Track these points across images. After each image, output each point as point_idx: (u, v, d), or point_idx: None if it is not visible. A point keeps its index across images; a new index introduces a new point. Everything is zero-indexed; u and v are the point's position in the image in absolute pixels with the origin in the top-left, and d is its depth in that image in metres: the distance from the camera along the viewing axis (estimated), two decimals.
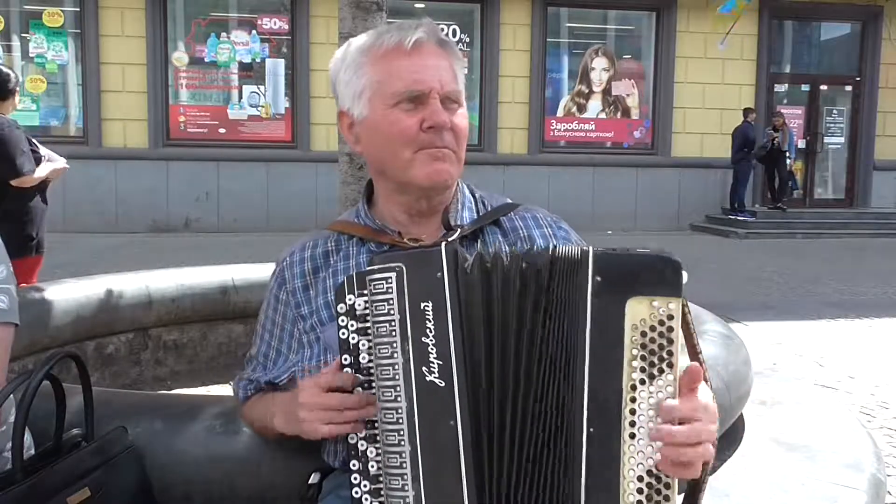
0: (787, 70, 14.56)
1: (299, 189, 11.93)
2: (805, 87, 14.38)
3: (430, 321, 1.08)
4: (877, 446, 2.27)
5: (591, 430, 1.04)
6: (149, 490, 1.55)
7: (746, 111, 12.98)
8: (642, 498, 1.03)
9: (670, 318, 1.02)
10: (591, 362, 1.04)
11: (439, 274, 1.08)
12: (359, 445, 1.14)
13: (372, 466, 1.12)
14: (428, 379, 1.07)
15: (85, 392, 1.50)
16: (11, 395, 1.35)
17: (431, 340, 1.07)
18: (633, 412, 1.03)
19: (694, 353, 1.11)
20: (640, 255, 1.05)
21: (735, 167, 13.02)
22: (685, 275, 1.04)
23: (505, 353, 1.08)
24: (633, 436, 1.03)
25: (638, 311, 1.02)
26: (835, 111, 14.48)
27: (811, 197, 14.49)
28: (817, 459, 2.10)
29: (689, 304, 2.99)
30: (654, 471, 1.03)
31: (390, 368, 1.09)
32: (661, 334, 1.02)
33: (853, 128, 14.33)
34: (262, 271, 3.46)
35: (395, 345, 1.09)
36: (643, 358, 1.02)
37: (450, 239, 1.28)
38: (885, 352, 5.76)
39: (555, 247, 1.10)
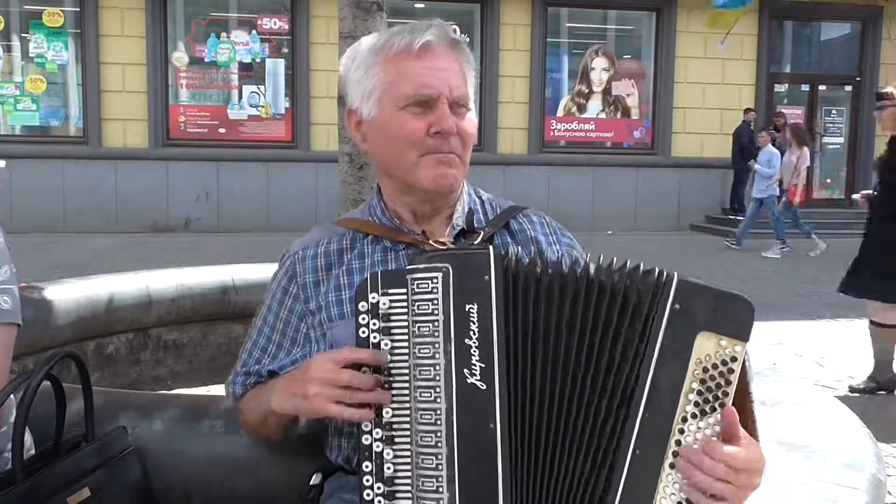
0: (787, 70, 14.56)
1: (299, 189, 11.93)
2: (805, 87, 14.38)
3: (474, 323, 1.08)
4: (877, 446, 2.26)
5: (637, 451, 1.04)
6: (149, 490, 1.55)
7: (745, 112, 12.98)
8: None
9: (734, 360, 1.03)
10: (652, 386, 1.05)
11: (487, 277, 1.08)
12: (374, 447, 1.11)
13: (388, 468, 1.10)
14: (469, 381, 1.07)
15: (85, 392, 1.50)
16: (11, 396, 1.35)
17: (475, 343, 1.07)
18: (678, 443, 1.04)
19: (747, 402, 1.10)
20: (720, 292, 1.05)
21: (735, 167, 13.01)
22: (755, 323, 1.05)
23: (552, 362, 1.08)
24: (673, 466, 1.04)
25: (705, 347, 1.03)
26: (834, 111, 14.48)
27: (811, 197, 14.49)
28: (817, 459, 2.09)
29: None
30: (685, 503, 1.04)
31: (430, 369, 1.08)
32: (721, 374, 1.03)
33: (853, 128, 14.33)
34: (262, 271, 3.46)
35: (437, 345, 1.08)
36: (700, 393, 1.03)
37: (475, 242, 1.30)
38: None
39: (636, 266, 1.09)
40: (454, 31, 1.32)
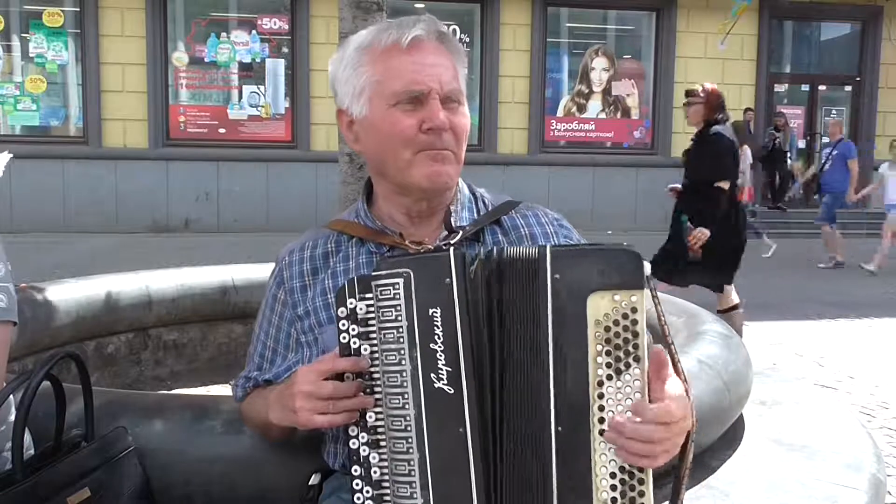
0: (787, 70, 14.57)
1: (299, 189, 11.93)
2: (805, 87, 14.38)
3: (438, 327, 1.06)
4: (877, 446, 2.26)
5: (560, 428, 1.03)
6: (149, 490, 1.55)
7: (744, 112, 12.98)
8: (616, 494, 1.03)
9: (634, 311, 1.00)
10: (555, 361, 1.03)
11: (448, 280, 1.07)
12: (361, 451, 1.12)
13: (374, 472, 1.11)
14: (437, 386, 1.06)
15: (85, 392, 1.50)
16: (11, 395, 1.35)
17: (440, 347, 1.06)
18: (601, 408, 1.02)
19: (665, 344, 1.10)
20: (599, 249, 1.04)
21: None
22: (647, 266, 1.02)
23: (494, 358, 1.08)
24: (602, 432, 1.02)
25: (600, 306, 1.01)
26: (834, 111, 14.49)
27: (811, 197, 14.48)
28: (817, 459, 2.10)
29: (692, 303, 2.97)
30: (627, 466, 1.02)
31: (398, 376, 1.08)
32: (625, 328, 1.01)
33: (853, 128, 14.33)
34: (262, 271, 3.46)
35: (402, 352, 1.07)
36: (608, 353, 1.01)
37: (452, 241, 1.27)
38: (885, 352, 5.76)
39: (511, 247, 1.09)
40: (454, 30, 1.31)
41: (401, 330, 1.08)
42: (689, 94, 4.92)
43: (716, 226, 4.71)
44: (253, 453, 1.57)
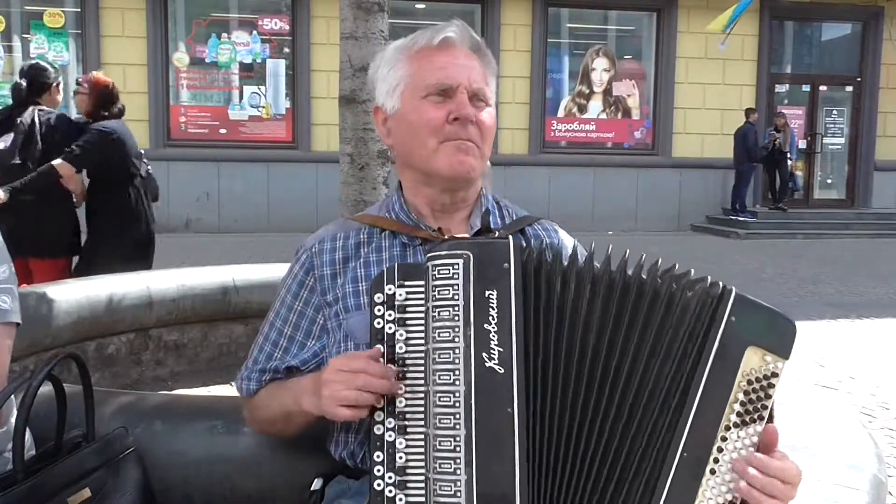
0: (788, 70, 14.56)
1: (300, 189, 11.93)
2: (805, 88, 14.38)
3: (493, 309, 1.10)
4: (878, 447, 2.26)
5: (685, 454, 1.07)
6: (149, 490, 1.55)
7: (748, 112, 12.97)
8: None
9: (774, 375, 1.08)
10: (704, 392, 1.08)
11: (506, 265, 1.11)
12: (386, 436, 1.13)
13: (400, 458, 1.12)
14: (488, 365, 1.09)
15: (85, 392, 1.50)
16: (12, 396, 1.36)
17: (493, 328, 1.10)
18: (720, 450, 1.08)
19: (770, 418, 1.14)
20: (770, 309, 1.11)
21: (737, 168, 13.01)
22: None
23: (579, 355, 1.10)
24: (713, 472, 1.07)
25: (751, 360, 1.08)
26: (835, 111, 14.48)
27: (812, 197, 14.49)
28: (817, 459, 2.09)
29: None
30: None
31: (450, 352, 1.10)
32: (762, 388, 1.08)
33: (854, 128, 14.33)
34: (262, 271, 3.46)
35: (457, 329, 1.10)
36: (742, 404, 1.08)
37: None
38: (886, 352, 5.76)
39: (685, 271, 1.13)
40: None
41: (456, 308, 1.11)
42: (77, 82, 4.89)
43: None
44: (253, 453, 1.57)
